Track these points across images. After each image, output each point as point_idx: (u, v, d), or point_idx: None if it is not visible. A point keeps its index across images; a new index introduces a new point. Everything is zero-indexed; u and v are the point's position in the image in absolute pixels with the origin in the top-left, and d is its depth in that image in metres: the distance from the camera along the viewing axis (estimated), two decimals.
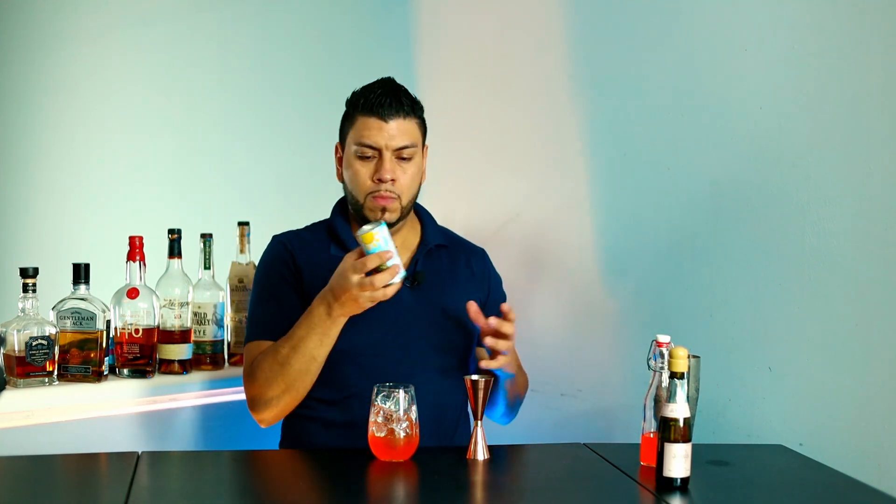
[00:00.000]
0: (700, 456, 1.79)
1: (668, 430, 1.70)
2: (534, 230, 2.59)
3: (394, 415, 1.82)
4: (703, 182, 2.23)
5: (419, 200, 2.16)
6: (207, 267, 2.40)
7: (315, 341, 1.95)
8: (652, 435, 1.83)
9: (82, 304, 2.17)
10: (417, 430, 1.84)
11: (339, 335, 1.96)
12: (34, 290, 2.12)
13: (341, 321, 1.94)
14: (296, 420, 2.08)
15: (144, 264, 2.23)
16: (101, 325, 2.17)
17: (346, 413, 2.03)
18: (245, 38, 3.61)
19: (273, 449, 2.14)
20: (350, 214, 2.13)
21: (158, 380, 2.27)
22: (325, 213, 2.18)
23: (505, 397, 2.10)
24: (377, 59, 3.01)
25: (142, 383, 2.24)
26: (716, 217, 2.21)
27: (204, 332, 2.39)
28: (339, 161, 2.11)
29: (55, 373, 2.14)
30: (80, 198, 4.56)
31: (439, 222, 2.23)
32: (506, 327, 1.93)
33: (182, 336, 2.32)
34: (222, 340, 2.43)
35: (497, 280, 2.24)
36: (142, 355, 2.24)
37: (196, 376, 2.33)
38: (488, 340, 1.92)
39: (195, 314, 2.38)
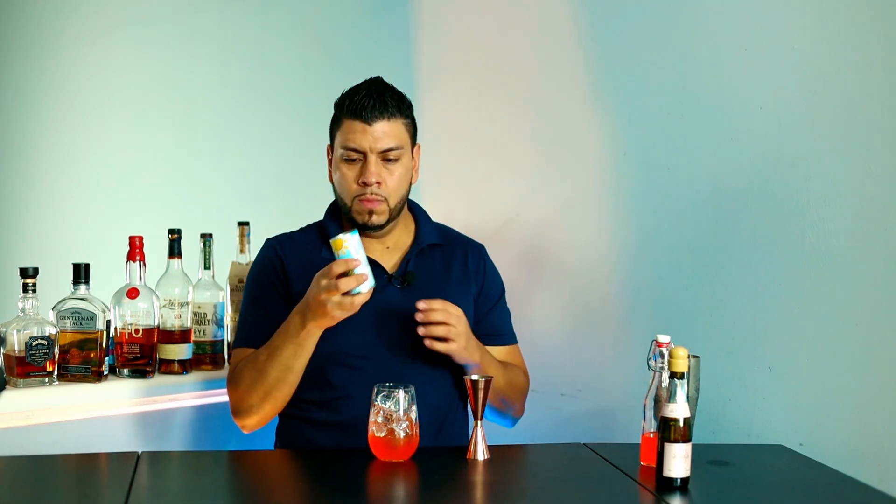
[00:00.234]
0: (700, 456, 1.79)
1: (668, 430, 1.70)
2: (534, 230, 2.59)
3: (394, 415, 1.82)
4: (703, 182, 2.23)
5: (417, 199, 2.15)
6: (207, 267, 2.40)
7: (290, 351, 1.96)
8: (652, 435, 1.83)
9: (82, 304, 2.17)
10: (417, 430, 1.84)
11: (329, 337, 1.96)
12: (34, 290, 2.12)
13: (315, 332, 1.94)
14: (289, 421, 2.09)
15: (144, 264, 2.23)
16: (101, 325, 2.17)
17: (338, 414, 2.03)
18: (245, 38, 3.61)
19: (272, 449, 2.14)
20: (342, 217, 2.13)
21: (158, 380, 2.27)
22: (324, 214, 2.18)
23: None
24: (377, 59, 3.01)
25: (142, 383, 2.24)
26: (716, 217, 2.21)
27: (204, 332, 2.39)
28: (330, 163, 2.11)
29: (55, 373, 2.14)
30: (80, 198, 4.55)
31: (441, 222, 2.23)
32: (431, 315, 1.92)
33: (182, 336, 2.32)
34: (222, 340, 2.43)
35: (493, 276, 2.21)
36: (142, 355, 2.24)
37: (196, 376, 2.33)
38: (420, 329, 1.92)
39: (195, 314, 2.38)
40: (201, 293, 2.38)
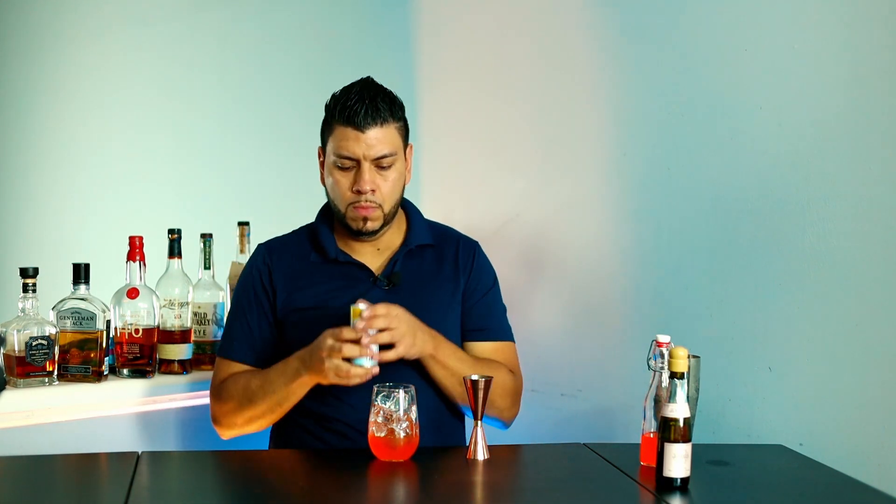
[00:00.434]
0: (700, 456, 1.79)
1: (668, 430, 1.70)
2: (534, 230, 2.59)
3: (394, 415, 1.82)
4: (703, 182, 2.23)
5: (417, 199, 2.15)
6: (207, 267, 2.40)
7: (282, 392, 1.97)
8: (652, 435, 1.83)
9: (82, 304, 2.17)
10: (417, 430, 1.84)
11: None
12: (34, 290, 2.12)
13: (308, 383, 1.94)
14: (281, 424, 2.10)
15: (144, 264, 2.23)
16: (101, 325, 2.17)
17: (326, 420, 2.03)
18: (245, 38, 3.61)
19: (272, 449, 2.14)
20: (334, 219, 2.12)
21: (158, 380, 2.27)
22: (316, 216, 2.17)
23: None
24: (377, 59, 3.01)
25: (142, 383, 2.24)
26: (716, 217, 2.20)
27: (204, 332, 2.39)
28: (322, 165, 2.09)
29: (55, 373, 2.14)
30: (80, 198, 4.56)
31: (439, 221, 2.23)
32: (374, 324, 1.88)
33: (182, 336, 2.32)
34: None
35: (481, 271, 2.16)
36: (142, 355, 2.24)
37: (196, 376, 2.33)
38: (363, 340, 1.87)
39: (195, 314, 2.38)
40: (201, 293, 2.38)
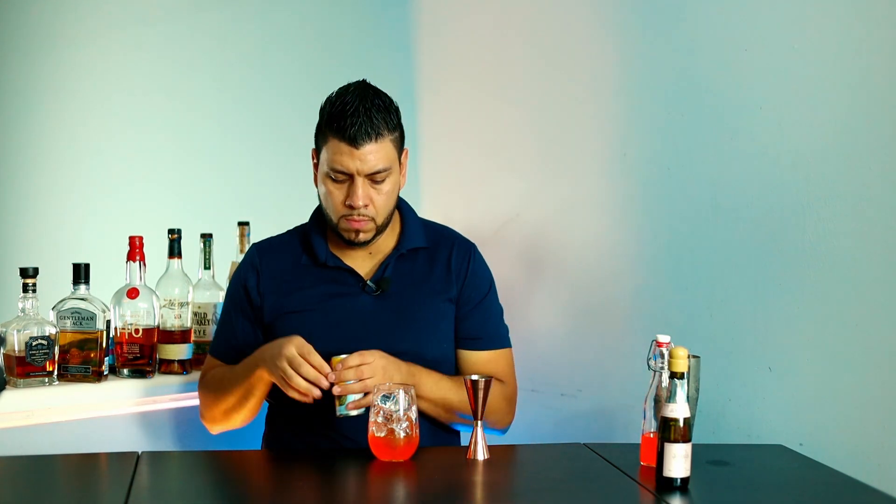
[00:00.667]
0: (700, 456, 1.79)
1: (668, 430, 1.70)
2: (534, 230, 2.59)
3: (394, 415, 1.82)
4: (702, 182, 2.23)
5: (417, 199, 2.14)
6: (207, 267, 2.40)
7: (244, 381, 1.98)
8: (652, 435, 1.83)
9: (82, 304, 2.17)
10: (417, 431, 1.84)
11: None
12: (34, 290, 2.12)
13: (262, 377, 1.94)
14: (272, 426, 2.12)
15: (144, 264, 2.23)
16: (101, 325, 2.17)
17: (316, 425, 2.02)
18: (245, 38, 3.61)
19: (272, 449, 2.14)
20: (326, 225, 2.09)
21: (158, 380, 2.27)
22: (310, 217, 2.17)
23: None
24: (377, 59, 3.01)
25: (142, 383, 2.24)
26: (715, 217, 2.20)
27: (204, 332, 2.39)
28: (316, 167, 2.06)
29: (55, 373, 2.14)
30: (80, 198, 4.55)
31: (437, 221, 2.22)
32: (344, 376, 1.86)
33: (182, 336, 2.32)
34: None
35: (476, 277, 2.12)
36: (142, 355, 2.24)
37: (196, 376, 2.32)
38: (335, 390, 1.86)
39: (195, 314, 2.38)
40: (201, 293, 2.38)
